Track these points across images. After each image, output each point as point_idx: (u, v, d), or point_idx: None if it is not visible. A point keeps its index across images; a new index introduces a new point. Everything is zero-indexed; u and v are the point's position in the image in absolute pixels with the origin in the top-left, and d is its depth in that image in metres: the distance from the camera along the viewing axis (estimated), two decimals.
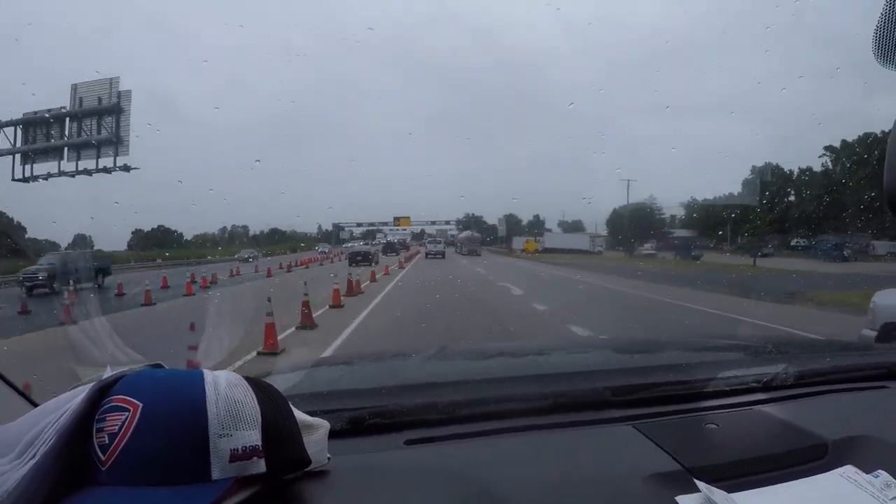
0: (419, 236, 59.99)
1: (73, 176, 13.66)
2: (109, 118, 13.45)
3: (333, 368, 1.78)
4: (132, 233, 43.77)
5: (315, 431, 0.89)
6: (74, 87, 13.84)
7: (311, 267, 30.32)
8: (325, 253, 40.84)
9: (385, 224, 56.66)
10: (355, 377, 1.62)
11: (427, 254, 37.50)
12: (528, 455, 1.00)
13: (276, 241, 51.73)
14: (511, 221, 61.53)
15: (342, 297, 13.16)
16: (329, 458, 0.91)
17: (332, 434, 0.95)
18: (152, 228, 47.39)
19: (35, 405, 0.93)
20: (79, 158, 13.47)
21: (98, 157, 13.37)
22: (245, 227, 57.14)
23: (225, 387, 0.77)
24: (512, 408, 1.15)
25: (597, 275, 22.63)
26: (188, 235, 49.02)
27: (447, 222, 58.13)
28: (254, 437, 0.75)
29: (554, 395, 1.18)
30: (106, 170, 13.54)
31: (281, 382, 1.04)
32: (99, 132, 13.56)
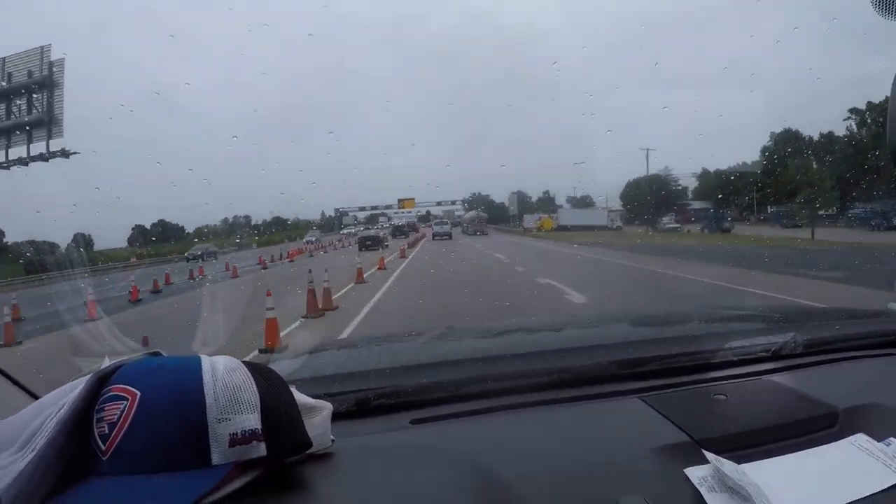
0: (425, 218, 57.96)
1: (6, 168, 11.22)
2: (41, 94, 10.98)
3: (337, 352, 1.78)
4: (132, 228, 42.26)
5: (318, 414, 0.89)
6: (2, 61, 11.38)
7: (299, 259, 25.77)
8: (313, 242, 36.59)
9: (389, 207, 54.35)
10: (359, 359, 1.59)
11: (434, 235, 36.51)
12: (534, 431, 1.00)
13: (277, 230, 49.90)
14: (520, 199, 60.25)
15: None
16: (333, 441, 0.90)
17: (337, 416, 0.95)
18: (153, 224, 45.57)
19: (36, 398, 0.93)
20: (9, 145, 11.03)
21: (30, 141, 10.92)
22: (247, 217, 55.03)
23: (223, 371, 0.77)
24: (516, 384, 1.15)
25: (636, 256, 18.45)
26: (190, 228, 46.19)
27: (453, 202, 55.51)
28: (253, 420, 0.75)
29: (558, 370, 1.18)
30: (43, 157, 11.06)
31: (284, 367, 1.08)
32: (29, 112, 11.08)
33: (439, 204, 55.04)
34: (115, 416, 0.71)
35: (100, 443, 0.71)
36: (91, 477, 0.71)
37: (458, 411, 1.07)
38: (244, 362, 0.82)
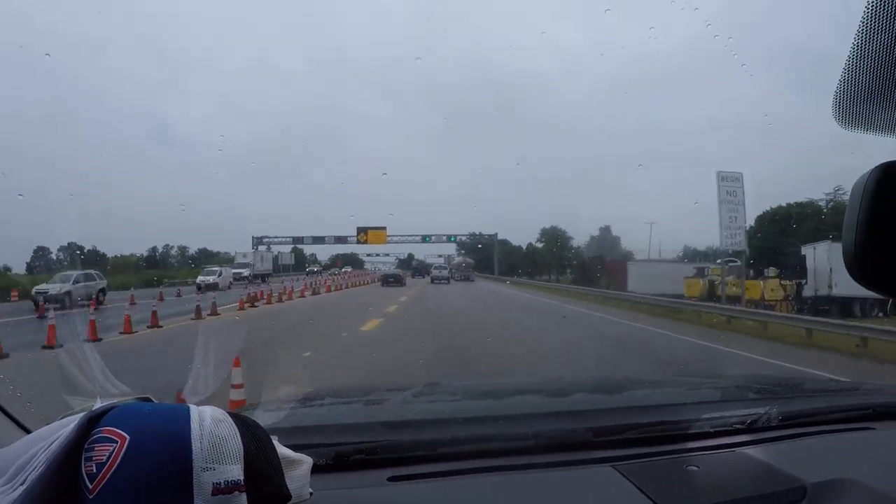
0: (406, 263, 52.27)
1: None
2: None
3: (321, 402, 1.77)
4: (34, 251, 35.26)
5: (298, 467, 0.90)
6: None
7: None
8: (207, 283, 27.93)
9: (344, 238, 45.36)
10: (342, 412, 1.61)
11: (432, 279, 37.18)
12: (509, 495, 1.01)
13: (202, 262, 41.49)
14: (556, 235, 53.08)
15: None
16: (311, 493, 0.91)
17: (317, 469, 0.96)
18: (61, 246, 34.72)
19: (28, 431, 0.94)
20: None
21: None
22: (183, 248, 49.35)
23: (210, 422, 0.78)
24: (494, 447, 1.15)
25: None
26: (111, 254, 39.50)
27: (450, 237, 48.45)
28: (236, 472, 0.76)
29: (535, 435, 1.18)
30: None
31: (269, 415, 1.12)
32: None
33: (427, 238, 47.86)
34: (104, 458, 0.73)
35: (87, 481, 0.73)
36: None
37: (435, 471, 1.07)
38: (230, 413, 0.84)
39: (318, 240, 50.05)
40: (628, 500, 0.97)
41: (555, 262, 53.22)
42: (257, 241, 49.28)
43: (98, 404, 0.81)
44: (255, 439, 0.83)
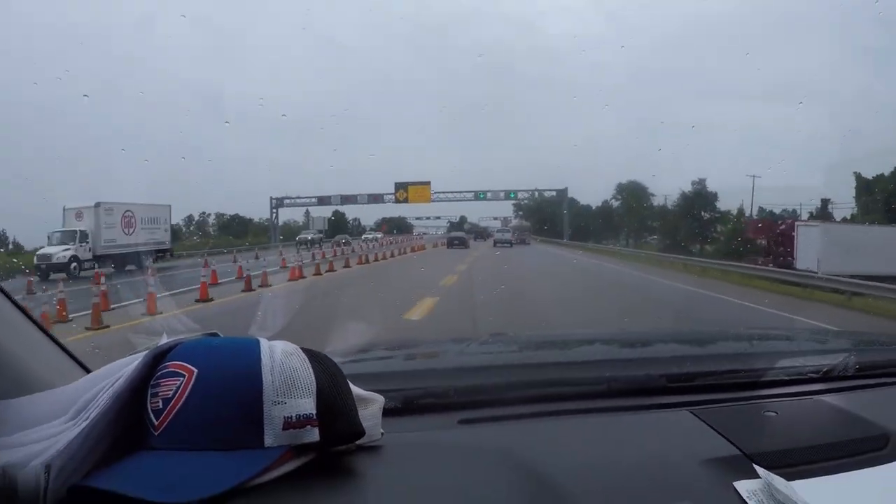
0: (457, 226, 47.62)
1: None
2: None
3: (388, 351, 1.78)
4: None
5: (370, 405, 0.88)
6: None
7: None
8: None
9: (380, 196, 39.76)
10: (409, 360, 1.62)
11: (495, 242, 36.24)
12: (582, 438, 0.99)
13: (235, 231, 39.67)
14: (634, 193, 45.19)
15: None
16: (382, 434, 0.90)
17: (386, 412, 0.95)
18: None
19: (89, 371, 0.93)
20: None
21: None
22: (220, 215, 46.19)
23: (280, 355, 0.76)
24: (565, 391, 1.15)
25: None
26: None
27: (510, 194, 43.16)
28: (308, 405, 0.75)
29: (608, 379, 1.17)
30: None
31: (336, 361, 1.07)
32: None
33: (480, 196, 42.45)
34: (171, 392, 0.71)
35: (153, 417, 0.72)
36: (141, 450, 0.71)
37: (505, 414, 1.06)
38: (303, 348, 0.82)
39: (349, 199, 42.46)
40: (707, 442, 0.95)
41: (635, 222, 43.91)
42: (277, 203, 42.04)
43: (163, 341, 0.79)
44: (327, 374, 0.80)
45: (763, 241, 28.03)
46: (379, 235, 44.07)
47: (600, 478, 0.86)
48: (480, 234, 42.97)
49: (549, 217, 45.45)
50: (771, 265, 21.44)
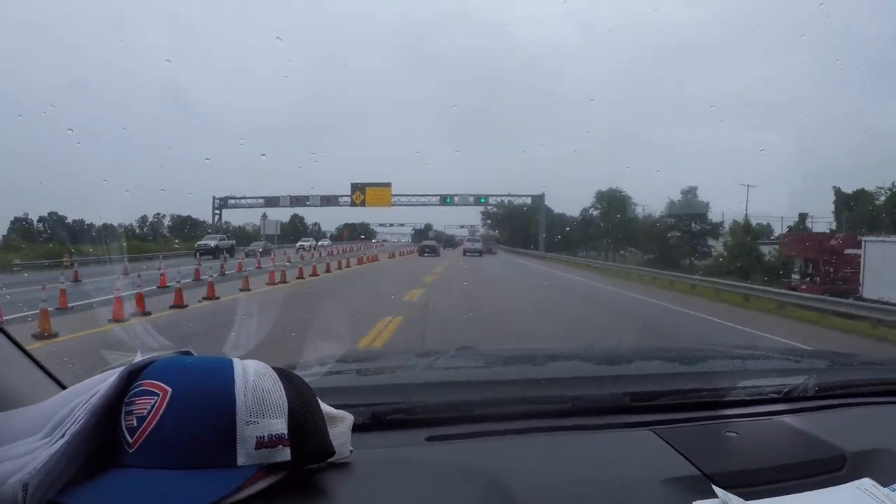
0: (422, 234, 46.48)
1: None
2: None
3: (357, 364, 1.80)
4: (11, 221, 31.35)
5: (339, 423, 0.90)
6: None
7: None
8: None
9: (334, 199, 34.70)
10: (378, 374, 1.63)
11: (465, 251, 35.17)
12: (547, 456, 1.01)
13: (184, 235, 35.62)
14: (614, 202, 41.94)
15: None
16: (352, 451, 0.91)
17: (355, 427, 0.96)
18: (42, 217, 33.67)
19: (63, 387, 0.95)
20: None
21: None
22: (161, 216, 43.08)
23: (253, 375, 0.78)
24: (531, 409, 1.16)
25: None
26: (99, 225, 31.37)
27: (480, 199, 40.27)
28: (280, 425, 0.76)
29: (573, 398, 1.19)
30: None
31: (306, 375, 1.05)
32: None
33: (446, 201, 38.92)
34: (145, 411, 0.72)
35: (127, 435, 0.73)
36: (116, 467, 0.72)
37: (472, 431, 1.07)
38: (274, 368, 0.83)
39: (299, 201, 38.36)
40: (668, 461, 0.97)
41: (618, 233, 40.54)
42: (220, 203, 39.77)
43: (138, 358, 0.81)
44: (298, 393, 0.82)
45: (802, 257, 22.44)
46: (326, 243, 41.51)
47: (565, 498, 0.88)
48: (450, 242, 43.16)
49: (520, 226, 43.37)
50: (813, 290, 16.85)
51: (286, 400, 0.78)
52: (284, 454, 0.76)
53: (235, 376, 0.76)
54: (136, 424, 0.72)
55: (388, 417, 1.09)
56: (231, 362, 0.79)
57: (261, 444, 0.74)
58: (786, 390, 1.26)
